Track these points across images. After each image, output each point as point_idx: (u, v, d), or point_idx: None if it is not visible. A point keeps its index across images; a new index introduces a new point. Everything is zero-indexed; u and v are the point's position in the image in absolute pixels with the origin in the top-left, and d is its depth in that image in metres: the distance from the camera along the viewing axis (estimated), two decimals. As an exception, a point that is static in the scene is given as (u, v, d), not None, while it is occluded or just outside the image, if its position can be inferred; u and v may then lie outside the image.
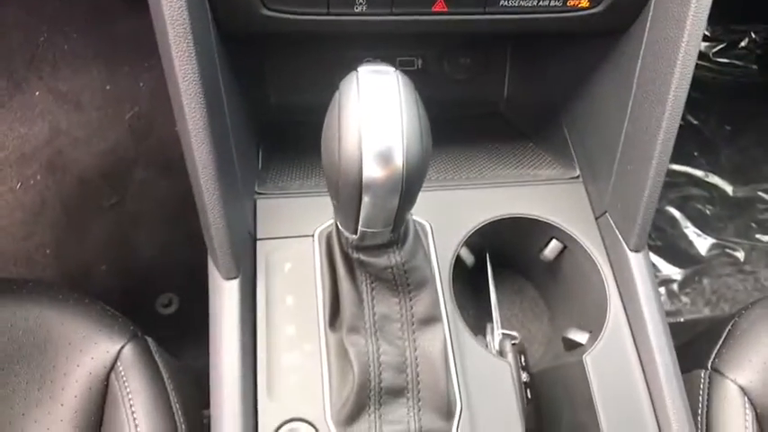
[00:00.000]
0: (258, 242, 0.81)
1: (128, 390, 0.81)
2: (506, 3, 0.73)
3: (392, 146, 0.52)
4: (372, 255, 0.66)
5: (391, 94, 0.53)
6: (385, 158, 0.52)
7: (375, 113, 0.52)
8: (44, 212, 1.70)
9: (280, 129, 1.04)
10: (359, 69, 0.55)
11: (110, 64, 1.92)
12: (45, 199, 1.72)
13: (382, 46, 1.06)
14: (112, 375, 0.83)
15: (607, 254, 0.86)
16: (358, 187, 0.54)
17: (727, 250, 1.83)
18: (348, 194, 0.56)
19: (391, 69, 0.55)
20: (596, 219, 0.89)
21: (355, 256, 0.66)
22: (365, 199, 0.55)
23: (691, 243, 1.84)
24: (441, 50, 1.11)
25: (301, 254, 0.80)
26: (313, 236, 0.81)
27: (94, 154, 1.79)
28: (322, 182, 0.89)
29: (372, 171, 0.53)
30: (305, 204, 0.84)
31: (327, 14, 0.71)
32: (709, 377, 0.89)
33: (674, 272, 1.80)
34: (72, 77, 1.90)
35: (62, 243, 1.66)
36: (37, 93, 1.88)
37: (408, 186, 0.55)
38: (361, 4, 0.70)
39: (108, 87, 1.90)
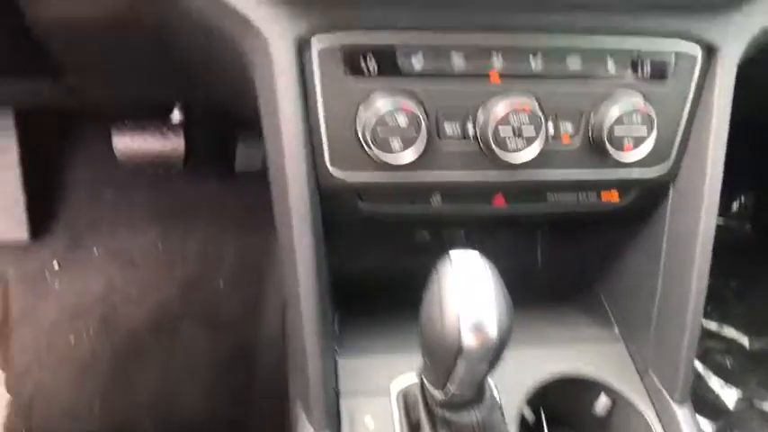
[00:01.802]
0: (341, 398, 0.90)
1: None
2: (553, 199, 0.90)
3: (487, 320, 0.63)
4: (456, 412, 0.75)
5: (482, 276, 0.65)
6: (481, 330, 0.63)
7: (471, 291, 0.64)
8: (94, 366, 1.77)
9: (348, 294, 1.17)
10: (450, 254, 0.68)
11: (164, 225, 2.10)
12: (96, 353, 1.79)
13: (432, 225, 1.23)
14: None
15: (654, 408, 0.94)
16: (455, 354, 0.64)
17: (755, 402, 1.86)
18: (444, 359, 0.66)
19: (476, 254, 0.68)
20: (640, 375, 0.98)
21: (440, 413, 0.75)
22: (459, 364, 0.65)
23: (717, 396, 1.86)
24: (482, 227, 1.28)
25: (382, 410, 0.88)
26: (391, 393, 0.90)
27: (145, 309, 1.90)
28: (396, 341, 0.98)
29: (470, 340, 0.63)
30: (382, 363, 0.93)
31: (411, 206, 0.88)
32: None
33: (704, 424, 1.80)
34: (129, 237, 2.07)
35: (110, 397, 1.71)
36: (95, 249, 2.03)
37: (497, 353, 0.66)
38: (437, 200, 0.88)
39: (160, 246, 2.06)
